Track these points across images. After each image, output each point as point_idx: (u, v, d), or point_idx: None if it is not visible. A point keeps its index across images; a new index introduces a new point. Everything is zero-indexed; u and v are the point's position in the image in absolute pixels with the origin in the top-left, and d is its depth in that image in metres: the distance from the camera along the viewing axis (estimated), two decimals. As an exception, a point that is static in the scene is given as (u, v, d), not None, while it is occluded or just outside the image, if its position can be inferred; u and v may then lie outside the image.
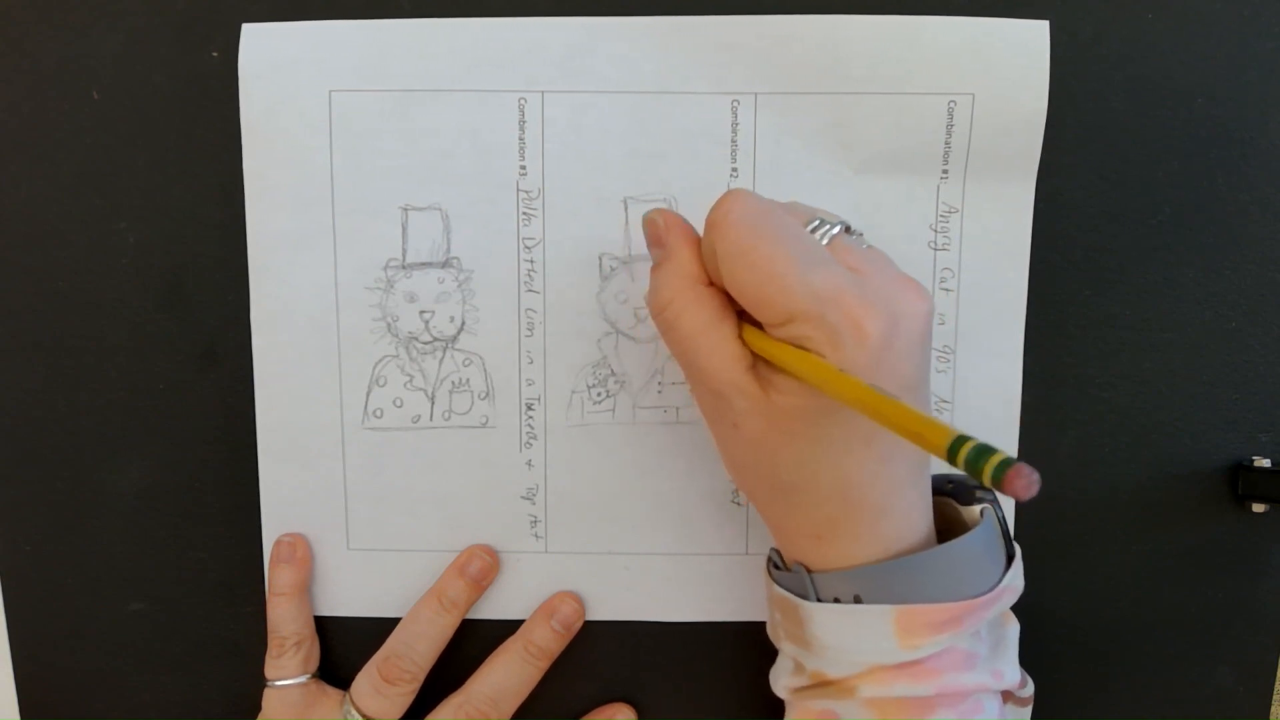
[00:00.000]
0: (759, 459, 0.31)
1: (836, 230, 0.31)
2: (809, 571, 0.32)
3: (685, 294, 0.31)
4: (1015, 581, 0.33)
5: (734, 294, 0.30)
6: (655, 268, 0.32)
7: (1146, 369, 0.40)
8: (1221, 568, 0.41)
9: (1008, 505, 0.40)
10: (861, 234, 0.32)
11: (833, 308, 0.28)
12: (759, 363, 0.30)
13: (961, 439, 0.23)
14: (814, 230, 0.31)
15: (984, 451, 0.22)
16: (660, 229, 0.32)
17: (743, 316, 0.31)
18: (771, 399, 0.30)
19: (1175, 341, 0.40)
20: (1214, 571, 0.41)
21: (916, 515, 0.32)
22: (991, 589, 0.31)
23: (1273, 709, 0.42)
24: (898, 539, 0.31)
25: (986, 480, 0.22)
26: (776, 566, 0.34)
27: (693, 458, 0.40)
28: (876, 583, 0.31)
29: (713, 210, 0.30)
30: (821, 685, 0.33)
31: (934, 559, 0.31)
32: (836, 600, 0.32)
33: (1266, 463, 0.40)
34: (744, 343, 0.30)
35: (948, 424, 0.24)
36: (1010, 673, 0.34)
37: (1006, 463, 0.21)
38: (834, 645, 0.32)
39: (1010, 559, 0.33)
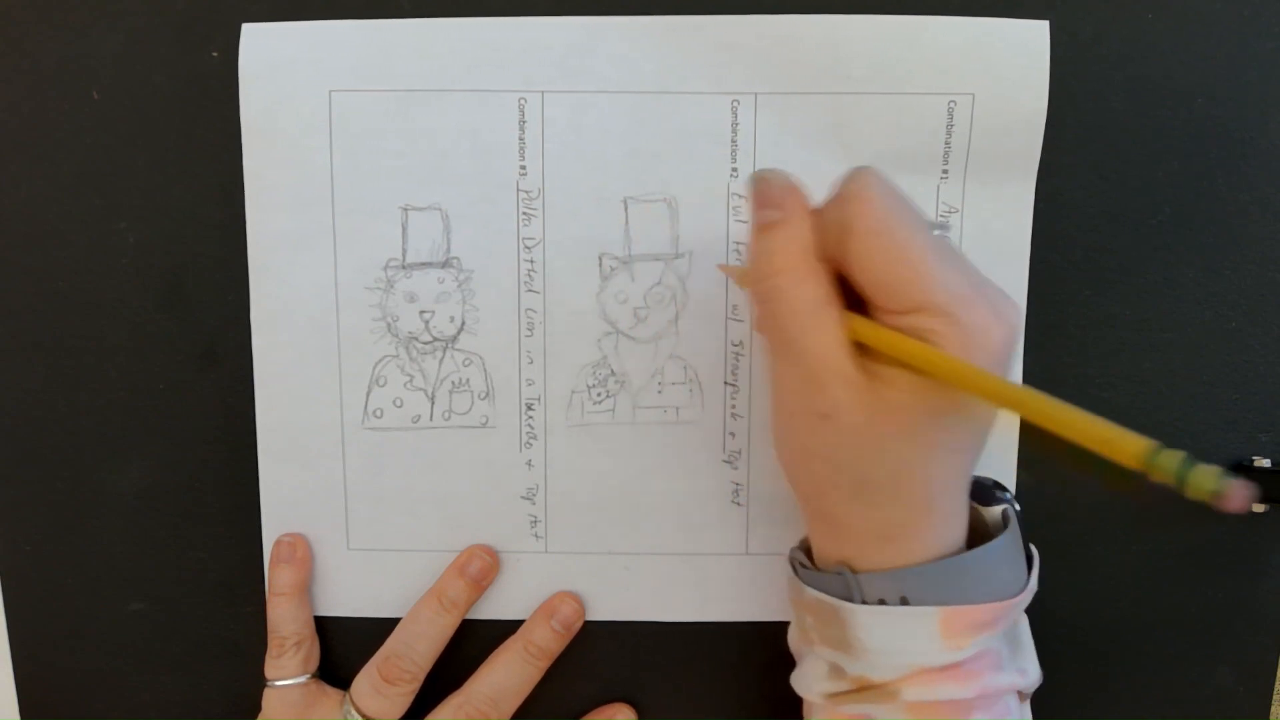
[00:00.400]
0: (849, 454, 0.30)
1: (946, 235, 0.31)
2: (854, 573, 0.31)
3: (799, 267, 0.29)
4: (1035, 582, 0.33)
5: (858, 273, 0.29)
6: (764, 230, 0.30)
7: (1146, 369, 0.40)
8: (1221, 568, 0.41)
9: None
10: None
11: (966, 308, 0.28)
12: (863, 353, 0.29)
13: (1160, 448, 0.22)
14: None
15: (1192, 463, 0.22)
16: (774, 191, 0.30)
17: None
18: (879, 392, 0.28)
19: (1175, 341, 0.40)
20: (1214, 571, 0.41)
21: (964, 519, 0.32)
22: (1024, 588, 0.32)
23: (1273, 709, 0.42)
24: (948, 541, 0.31)
25: (1192, 492, 0.21)
26: (805, 566, 0.34)
27: (693, 458, 0.40)
28: (924, 583, 0.30)
29: (848, 183, 0.29)
30: (864, 689, 0.32)
31: (976, 559, 0.31)
32: (881, 602, 0.31)
33: (1266, 463, 0.40)
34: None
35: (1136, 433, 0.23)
36: (1032, 669, 0.34)
37: (1221, 475, 0.21)
38: (878, 648, 0.31)
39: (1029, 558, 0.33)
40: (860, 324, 0.29)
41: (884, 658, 0.31)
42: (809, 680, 0.34)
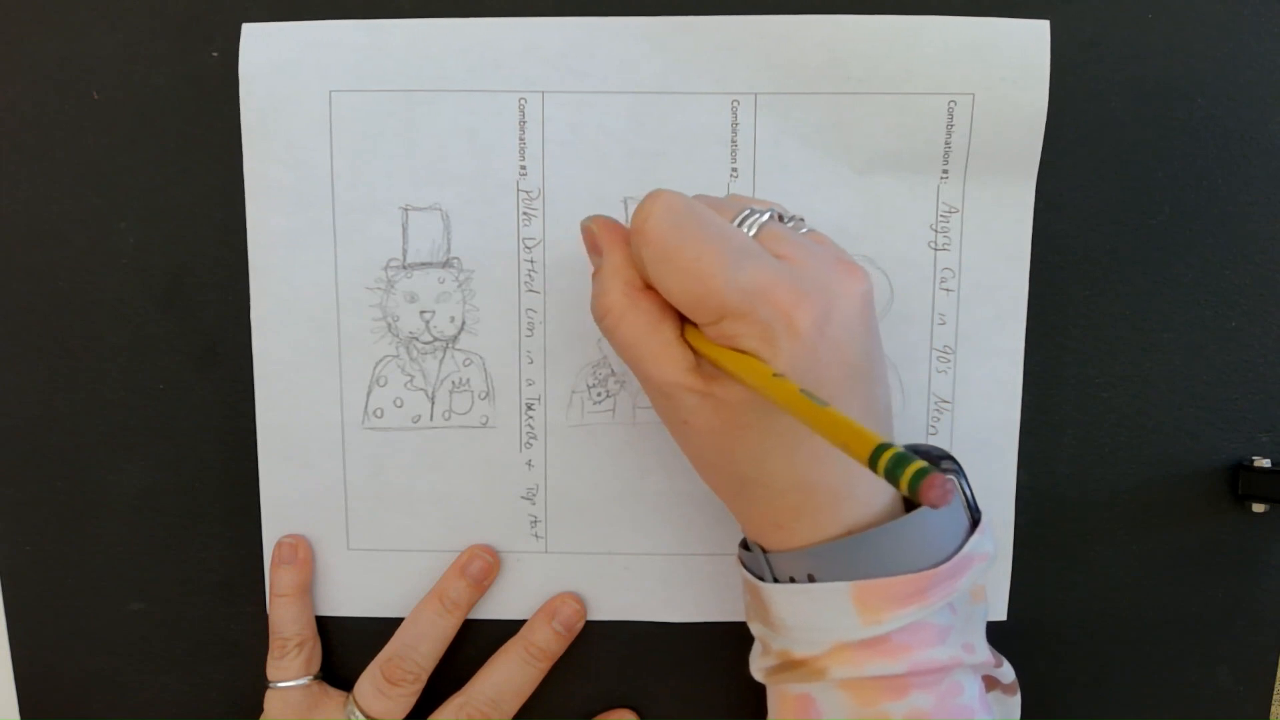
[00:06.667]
0: (714, 454, 0.31)
1: (765, 218, 0.31)
2: (765, 552, 0.33)
3: (622, 301, 0.31)
4: (981, 548, 0.32)
5: (665, 297, 0.30)
6: (594, 275, 0.32)
7: (1146, 369, 0.40)
8: (1221, 568, 0.41)
9: (1006, 503, 0.40)
10: (800, 218, 0.32)
11: (762, 302, 0.28)
12: (703, 359, 0.30)
13: (882, 448, 0.23)
14: (741, 222, 0.30)
15: (902, 460, 0.22)
16: (595, 236, 0.32)
17: (684, 317, 0.31)
18: (717, 394, 0.30)
19: (1175, 341, 0.40)
20: (1214, 571, 0.41)
21: (877, 494, 0.31)
22: (950, 557, 0.31)
23: (1273, 709, 0.42)
24: (858, 519, 0.31)
25: (904, 490, 0.22)
26: (745, 547, 0.35)
27: (693, 458, 0.40)
28: (831, 560, 0.31)
29: (634, 215, 0.30)
30: (790, 666, 0.33)
31: (889, 533, 0.31)
32: (792, 580, 0.32)
33: (1266, 463, 0.40)
34: (686, 342, 0.30)
35: (874, 432, 0.24)
36: (981, 646, 0.33)
37: (922, 472, 0.22)
38: (795, 624, 0.32)
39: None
40: (694, 336, 0.30)
41: (803, 633, 0.32)
42: (753, 657, 0.35)
